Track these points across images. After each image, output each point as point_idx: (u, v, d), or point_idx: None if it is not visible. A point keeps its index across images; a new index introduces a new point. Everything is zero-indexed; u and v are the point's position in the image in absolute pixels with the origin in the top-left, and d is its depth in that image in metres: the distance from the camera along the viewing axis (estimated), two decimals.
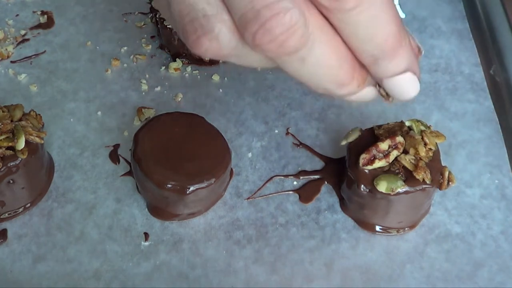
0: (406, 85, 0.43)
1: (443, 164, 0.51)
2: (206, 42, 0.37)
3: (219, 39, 0.37)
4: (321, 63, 0.38)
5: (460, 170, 0.58)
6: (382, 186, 0.49)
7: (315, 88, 0.41)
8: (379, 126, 0.53)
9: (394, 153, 0.50)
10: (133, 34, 0.68)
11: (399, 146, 0.50)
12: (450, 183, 0.51)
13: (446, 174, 0.51)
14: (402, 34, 0.40)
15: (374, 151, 0.50)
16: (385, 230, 0.53)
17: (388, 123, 0.53)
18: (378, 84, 0.42)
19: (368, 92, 0.43)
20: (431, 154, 0.50)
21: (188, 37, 0.38)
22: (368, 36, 0.39)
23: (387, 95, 0.43)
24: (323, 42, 0.38)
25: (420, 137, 0.50)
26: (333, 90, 0.40)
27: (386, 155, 0.50)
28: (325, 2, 0.36)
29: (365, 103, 0.57)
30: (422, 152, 0.49)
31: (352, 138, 0.53)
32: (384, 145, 0.50)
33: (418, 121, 0.52)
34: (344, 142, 0.53)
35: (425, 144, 0.50)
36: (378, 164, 0.50)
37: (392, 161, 0.50)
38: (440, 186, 0.51)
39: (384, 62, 0.40)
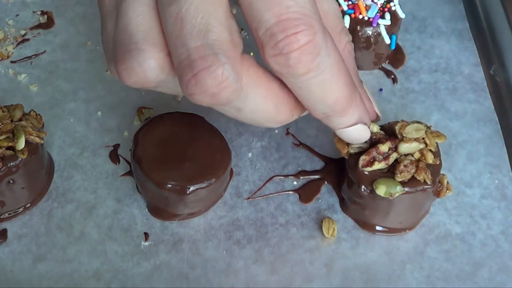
0: (356, 134, 0.46)
1: (443, 164, 0.51)
2: (134, 75, 0.38)
3: (147, 73, 0.38)
4: (258, 111, 0.40)
5: (460, 170, 0.58)
6: (381, 191, 0.49)
7: (256, 125, 0.43)
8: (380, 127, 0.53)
9: (394, 155, 0.50)
10: None
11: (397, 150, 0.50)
12: (447, 191, 0.51)
13: (445, 182, 0.51)
14: (353, 95, 0.42)
15: (374, 153, 0.50)
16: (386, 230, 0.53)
17: (388, 123, 0.53)
18: None
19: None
20: (438, 162, 0.50)
21: (117, 65, 0.38)
22: (319, 99, 0.40)
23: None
24: (259, 93, 0.39)
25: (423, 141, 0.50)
26: (274, 126, 0.43)
27: (386, 157, 0.50)
28: (276, 67, 0.37)
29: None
30: (430, 159, 0.49)
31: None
32: (384, 147, 0.50)
33: (419, 122, 0.52)
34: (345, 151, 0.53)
35: (426, 145, 0.50)
36: (377, 166, 0.50)
37: (393, 162, 0.50)
38: (438, 194, 0.51)
39: (335, 118, 0.43)
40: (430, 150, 0.50)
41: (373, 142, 0.51)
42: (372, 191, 0.49)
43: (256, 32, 0.37)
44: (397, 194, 0.48)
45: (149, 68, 0.38)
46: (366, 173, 0.50)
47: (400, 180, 0.49)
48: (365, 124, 0.46)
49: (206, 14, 0.36)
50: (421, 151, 0.50)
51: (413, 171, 0.49)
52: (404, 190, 0.49)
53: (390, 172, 0.50)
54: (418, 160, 0.50)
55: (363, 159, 0.50)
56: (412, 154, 0.50)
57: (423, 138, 0.50)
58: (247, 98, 0.39)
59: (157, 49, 0.38)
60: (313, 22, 0.37)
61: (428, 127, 0.51)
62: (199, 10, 0.36)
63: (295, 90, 0.40)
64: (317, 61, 0.37)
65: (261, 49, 0.37)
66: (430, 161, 0.49)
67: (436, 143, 0.51)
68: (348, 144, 0.51)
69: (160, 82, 0.39)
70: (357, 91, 0.43)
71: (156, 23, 0.38)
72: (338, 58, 0.39)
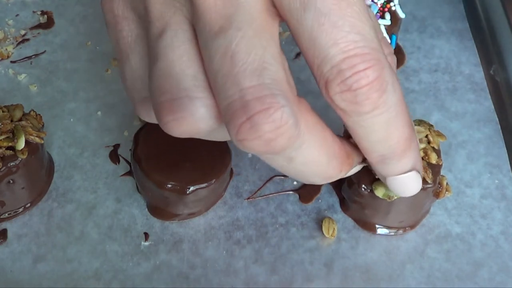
0: (409, 183, 0.42)
1: (443, 164, 0.51)
2: (184, 126, 0.34)
3: (199, 123, 0.34)
4: (310, 162, 0.36)
5: (460, 170, 0.58)
6: (380, 192, 0.49)
7: (299, 180, 0.40)
8: None
9: None
10: None
11: None
12: (447, 192, 0.51)
13: (444, 183, 0.51)
14: (412, 136, 0.39)
15: None
16: (386, 229, 0.53)
17: None
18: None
19: (355, 170, 0.43)
20: (440, 162, 0.50)
21: (163, 116, 0.35)
22: (381, 139, 0.38)
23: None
24: (314, 142, 0.36)
25: (426, 140, 0.50)
26: (319, 183, 0.40)
27: None
28: (342, 104, 0.35)
29: None
30: (434, 160, 0.49)
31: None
32: None
33: (421, 121, 0.52)
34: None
35: (429, 143, 0.50)
36: None
37: None
38: (437, 195, 0.51)
39: (393, 162, 0.40)
40: (434, 149, 0.50)
41: None
42: (372, 191, 0.49)
43: (319, 68, 0.34)
44: (396, 197, 0.48)
45: (202, 117, 0.34)
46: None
47: None
48: (418, 172, 0.42)
49: (260, 49, 0.33)
50: (424, 150, 0.50)
51: None
52: None
53: None
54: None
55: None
56: None
57: (426, 136, 0.50)
58: (301, 147, 0.35)
59: (208, 95, 0.34)
60: (380, 57, 0.34)
61: (431, 125, 0.51)
62: (252, 45, 0.33)
63: (356, 129, 0.37)
64: (384, 97, 0.35)
65: (323, 85, 0.34)
66: (434, 161, 0.49)
67: (439, 142, 0.51)
68: None
69: (212, 130, 0.35)
70: (414, 131, 0.40)
71: (200, 63, 0.34)
72: (402, 94, 0.37)
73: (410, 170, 0.41)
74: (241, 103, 0.32)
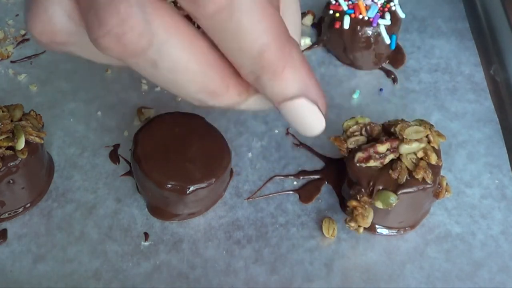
0: (303, 115, 0.35)
1: (443, 164, 0.51)
2: (38, 23, 0.34)
3: (53, 21, 0.34)
4: (177, 68, 0.34)
5: (460, 170, 0.58)
6: (379, 204, 0.49)
7: (185, 98, 0.35)
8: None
9: (390, 157, 0.50)
10: None
11: (397, 150, 0.50)
12: (446, 193, 0.51)
13: (444, 183, 0.51)
14: (286, 48, 0.33)
15: (371, 151, 0.50)
16: (386, 229, 0.53)
17: (388, 121, 0.53)
18: None
19: (258, 101, 0.37)
20: (440, 163, 0.50)
21: (26, 15, 0.35)
22: (238, 47, 0.33)
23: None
24: (176, 43, 0.33)
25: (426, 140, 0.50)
26: (206, 101, 0.35)
27: (382, 157, 0.50)
28: (185, 5, 0.32)
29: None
30: (433, 160, 0.49)
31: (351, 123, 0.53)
32: (382, 148, 0.50)
33: (422, 120, 0.52)
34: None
35: (429, 142, 0.50)
36: (372, 163, 0.50)
37: (393, 159, 0.50)
38: (437, 195, 0.51)
39: (267, 80, 0.34)
40: (434, 149, 0.50)
41: (373, 138, 0.51)
42: (372, 190, 0.49)
43: None
44: (394, 203, 0.49)
45: (55, 14, 0.34)
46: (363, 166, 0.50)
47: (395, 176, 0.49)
48: (314, 103, 0.35)
49: None
50: (424, 150, 0.50)
51: (412, 168, 0.49)
52: (397, 199, 0.48)
53: (386, 168, 0.50)
54: (421, 159, 0.50)
55: (359, 155, 0.50)
56: (415, 153, 0.50)
57: (427, 136, 0.50)
58: (162, 48, 0.32)
59: None
60: None
61: (431, 125, 0.51)
62: None
63: (212, 36, 0.33)
64: None
65: None
66: (433, 162, 0.49)
67: (439, 142, 0.51)
68: (346, 140, 0.51)
69: (70, 35, 0.35)
70: (295, 45, 0.34)
71: None
72: None
73: (296, 96, 0.34)
74: (90, 2, 0.32)
